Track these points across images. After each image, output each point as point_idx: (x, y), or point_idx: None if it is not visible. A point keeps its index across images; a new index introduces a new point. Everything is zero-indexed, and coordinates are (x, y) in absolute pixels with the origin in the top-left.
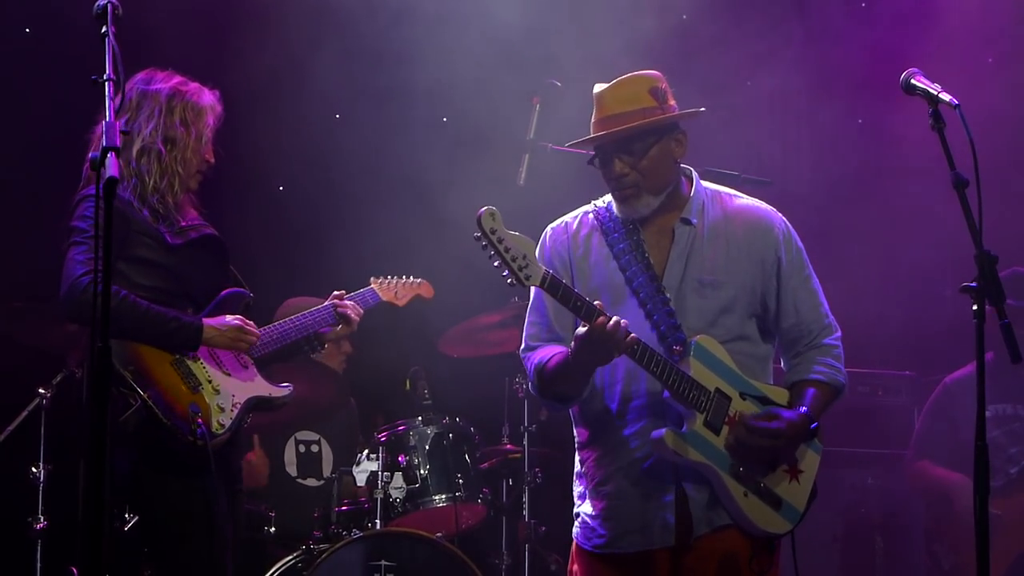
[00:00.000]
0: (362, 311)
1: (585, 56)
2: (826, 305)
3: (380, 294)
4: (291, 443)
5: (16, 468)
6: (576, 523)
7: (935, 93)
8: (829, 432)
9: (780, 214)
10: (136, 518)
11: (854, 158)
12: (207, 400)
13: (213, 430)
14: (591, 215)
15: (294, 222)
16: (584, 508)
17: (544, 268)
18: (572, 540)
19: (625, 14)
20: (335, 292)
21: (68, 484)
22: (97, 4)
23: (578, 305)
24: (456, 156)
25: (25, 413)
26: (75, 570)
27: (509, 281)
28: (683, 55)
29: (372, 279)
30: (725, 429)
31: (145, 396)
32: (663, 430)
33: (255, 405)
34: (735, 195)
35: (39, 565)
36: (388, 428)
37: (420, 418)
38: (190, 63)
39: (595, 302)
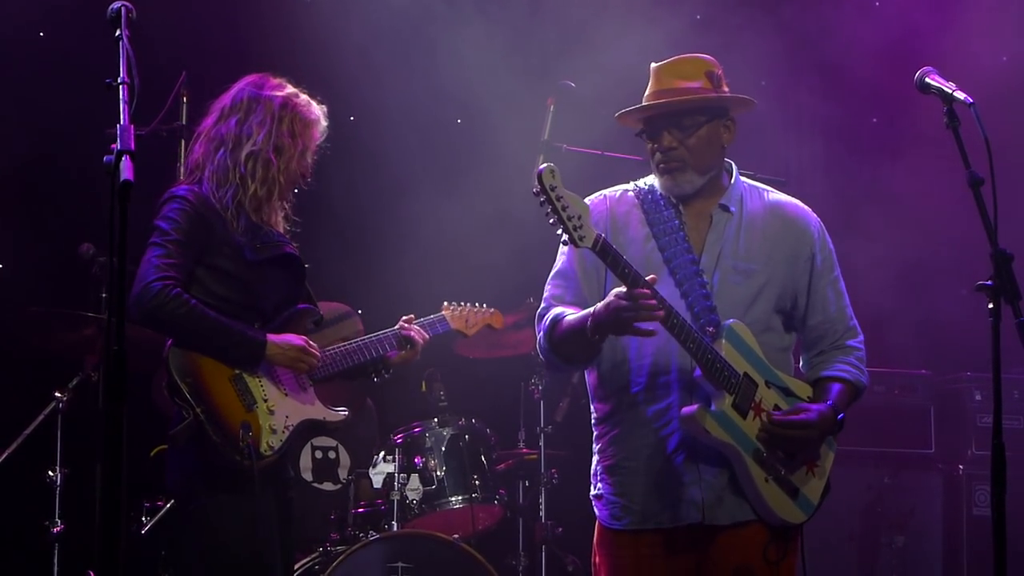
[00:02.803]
0: (428, 336)
1: (599, 57)
2: (851, 308)
3: (451, 322)
4: (307, 449)
5: (33, 472)
6: (597, 505)
7: (950, 92)
8: (845, 431)
9: (815, 214)
10: (152, 521)
11: (868, 157)
12: (260, 420)
13: (261, 451)
14: (631, 193)
15: (309, 224)
16: (605, 488)
17: (597, 231)
18: (591, 533)
19: (639, 14)
20: (404, 317)
21: (85, 488)
22: (111, 8)
23: (626, 272)
24: (470, 157)
25: (41, 417)
26: (92, 574)
27: (563, 239)
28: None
29: (445, 304)
30: (751, 414)
31: (198, 411)
32: (694, 407)
33: (308, 428)
34: (772, 191)
35: (56, 569)
36: (404, 430)
37: (436, 420)
38: (204, 69)
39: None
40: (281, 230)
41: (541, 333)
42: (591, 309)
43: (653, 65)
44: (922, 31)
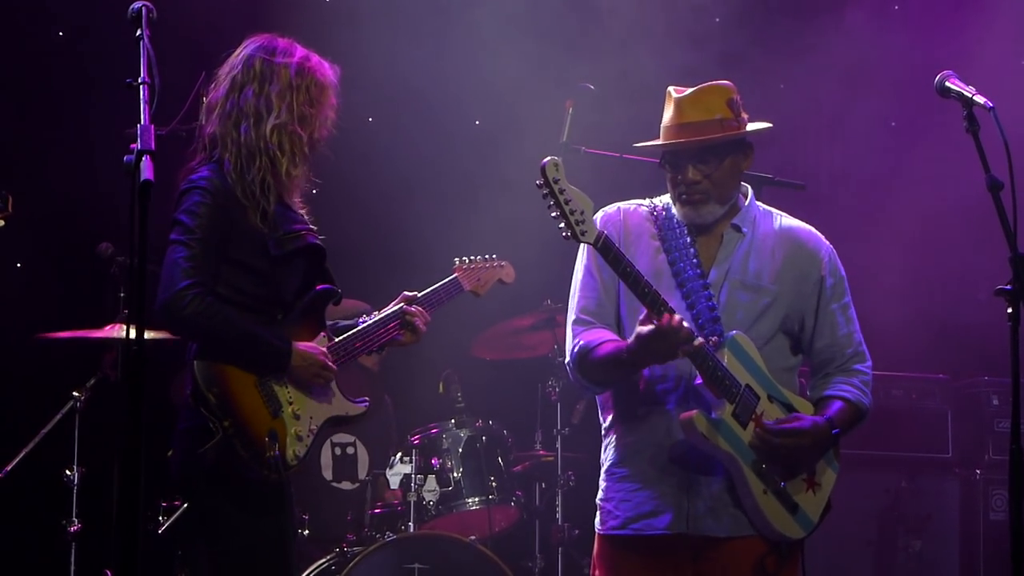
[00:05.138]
0: (429, 318)
1: (618, 59)
2: (860, 334)
3: (463, 283)
4: (327, 446)
5: (50, 471)
6: (596, 513)
7: (969, 96)
8: (862, 434)
9: (827, 241)
10: (169, 520)
11: (888, 161)
12: (286, 426)
13: (288, 460)
14: (645, 208)
15: (323, 224)
16: (603, 493)
17: (600, 229)
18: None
19: (659, 17)
20: (405, 293)
21: (102, 487)
22: (132, 8)
23: (627, 271)
24: (488, 159)
25: (59, 416)
26: (109, 572)
27: (565, 234)
28: (716, 58)
29: (456, 263)
30: (751, 425)
31: (226, 425)
32: (693, 411)
33: (331, 424)
34: (786, 216)
35: (73, 568)
36: (421, 431)
37: (453, 421)
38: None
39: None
40: (298, 198)
41: (570, 360)
42: (624, 344)
43: (674, 94)
44: (942, 34)
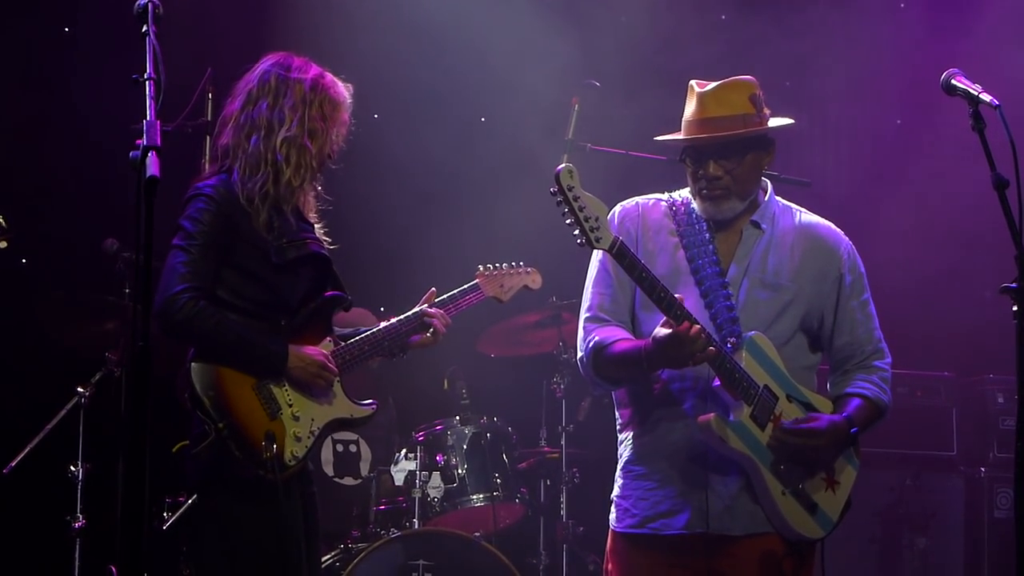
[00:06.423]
0: (450, 320)
1: (624, 57)
2: (880, 331)
3: (484, 289)
4: (328, 443)
5: (55, 467)
6: (611, 509)
7: (976, 94)
8: (867, 432)
9: (847, 238)
10: (174, 516)
11: (893, 159)
12: (284, 427)
13: (285, 460)
14: (664, 203)
15: (331, 223)
16: (619, 491)
17: (615, 234)
18: (607, 537)
19: (664, 14)
20: (431, 289)
21: (106, 483)
22: (138, 3)
23: (643, 276)
24: (494, 156)
25: (64, 412)
26: (114, 569)
27: (579, 241)
28: (721, 56)
29: (479, 269)
30: (770, 426)
31: (220, 427)
32: (710, 415)
33: (334, 426)
34: (805, 212)
35: (77, 564)
36: (426, 428)
37: (458, 418)
38: (230, 65)
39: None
40: (312, 212)
41: (583, 355)
42: (641, 344)
43: (696, 88)
44: (947, 33)
